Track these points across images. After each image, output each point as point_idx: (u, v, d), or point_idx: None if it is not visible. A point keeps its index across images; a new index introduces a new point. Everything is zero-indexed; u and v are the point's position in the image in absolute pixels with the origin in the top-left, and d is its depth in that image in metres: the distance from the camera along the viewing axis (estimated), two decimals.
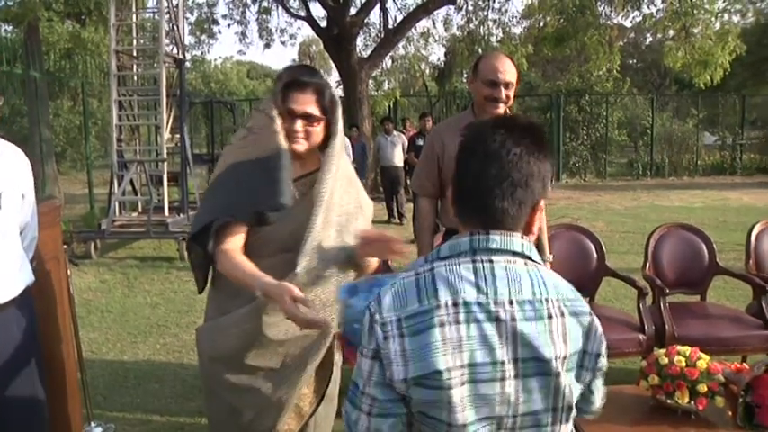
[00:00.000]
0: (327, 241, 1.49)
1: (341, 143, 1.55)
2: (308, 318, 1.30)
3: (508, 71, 2.19)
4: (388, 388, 0.92)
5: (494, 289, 0.91)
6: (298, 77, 1.49)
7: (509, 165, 0.94)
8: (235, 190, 1.48)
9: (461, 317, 0.90)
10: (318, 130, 1.51)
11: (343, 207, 1.55)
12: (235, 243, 1.47)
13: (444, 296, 0.90)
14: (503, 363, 0.90)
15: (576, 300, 0.97)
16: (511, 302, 0.91)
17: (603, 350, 0.97)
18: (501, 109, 2.23)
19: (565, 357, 0.93)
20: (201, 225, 1.50)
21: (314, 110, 1.49)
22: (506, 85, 2.19)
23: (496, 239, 0.94)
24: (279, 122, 1.48)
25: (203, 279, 1.62)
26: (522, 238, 0.97)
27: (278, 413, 1.54)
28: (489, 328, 0.90)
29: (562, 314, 0.93)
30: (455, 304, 0.90)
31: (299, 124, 1.48)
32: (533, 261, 0.97)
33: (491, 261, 0.93)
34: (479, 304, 0.90)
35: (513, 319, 0.90)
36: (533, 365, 0.91)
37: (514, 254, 0.95)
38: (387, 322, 0.92)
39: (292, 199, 1.47)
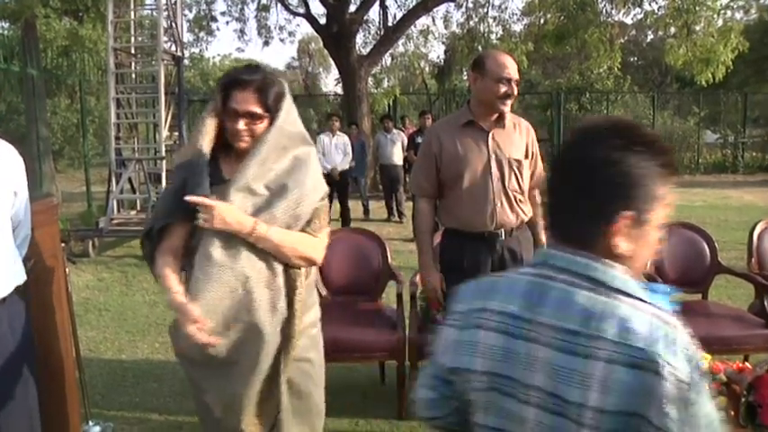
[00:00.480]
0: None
1: (275, 135, 1.52)
2: (200, 340, 1.38)
3: (514, 67, 2.23)
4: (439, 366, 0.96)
5: (538, 308, 0.85)
6: (238, 76, 1.51)
7: (574, 172, 0.86)
8: (172, 192, 1.55)
9: (498, 326, 0.88)
10: (262, 128, 1.51)
11: (280, 184, 1.51)
12: (171, 244, 1.54)
13: (495, 302, 0.90)
14: (526, 385, 0.84)
15: (649, 352, 0.76)
16: (551, 327, 0.82)
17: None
18: (509, 105, 2.24)
19: (597, 410, 0.77)
20: (148, 227, 1.58)
21: (256, 108, 1.49)
22: (515, 82, 2.23)
23: (560, 256, 0.87)
24: (208, 124, 1.54)
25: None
26: (600, 260, 0.83)
27: (240, 410, 1.54)
28: (519, 345, 0.85)
29: (611, 360, 0.77)
30: (499, 312, 0.88)
31: (241, 123, 1.49)
32: (617, 291, 0.82)
33: (550, 278, 0.86)
34: (518, 318, 0.86)
35: (547, 345, 0.82)
36: (553, 402, 0.81)
37: (578, 275, 0.84)
38: (454, 311, 0.96)
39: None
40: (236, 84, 1.49)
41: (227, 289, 1.46)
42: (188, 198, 1.44)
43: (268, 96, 1.49)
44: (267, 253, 1.50)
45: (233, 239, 1.47)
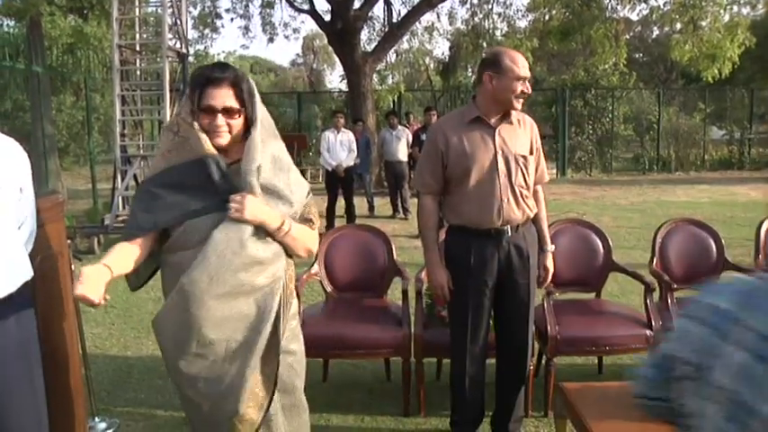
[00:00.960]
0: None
1: (261, 130, 1.57)
2: (77, 293, 1.40)
3: (527, 66, 2.24)
4: None
5: None
6: (210, 74, 1.53)
7: None
8: (165, 196, 1.54)
9: (739, 339, 0.78)
10: (239, 122, 1.56)
11: (270, 187, 1.57)
12: (142, 242, 1.57)
13: (740, 311, 0.80)
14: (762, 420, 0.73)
15: None
16: None
17: None
18: (521, 104, 2.26)
19: None
20: (140, 228, 1.57)
21: (233, 103, 1.53)
22: (529, 80, 2.25)
23: None
24: (197, 125, 1.53)
25: (138, 279, 1.68)
26: None
27: (235, 399, 1.55)
28: (757, 368, 0.75)
29: None
30: (736, 321, 0.79)
31: (220, 119, 1.53)
32: None
33: None
34: (762, 336, 0.76)
35: None
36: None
37: None
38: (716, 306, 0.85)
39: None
40: (209, 82, 1.52)
41: (251, 278, 1.52)
42: (232, 197, 1.48)
43: (242, 91, 1.54)
44: (280, 244, 1.59)
45: (259, 231, 1.53)
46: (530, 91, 2.25)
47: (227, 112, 1.53)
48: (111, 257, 1.51)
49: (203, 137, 1.53)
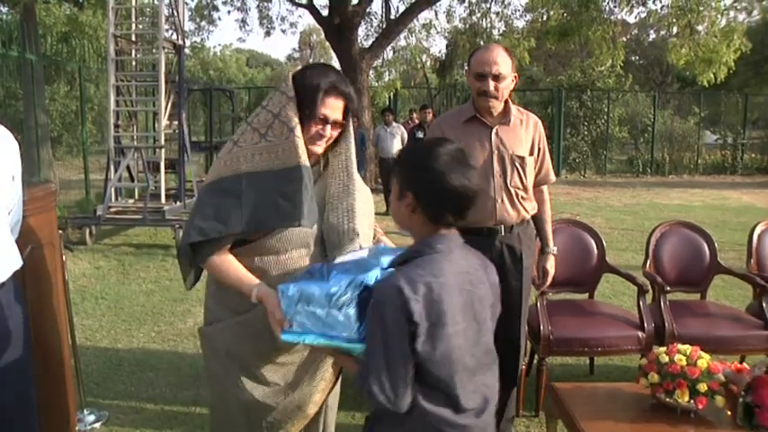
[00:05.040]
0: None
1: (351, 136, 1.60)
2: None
3: (499, 63, 2.13)
4: None
5: None
6: (337, 85, 1.50)
7: None
8: (248, 202, 1.43)
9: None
10: (336, 134, 1.56)
11: (356, 206, 1.58)
12: (227, 250, 1.49)
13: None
14: None
15: None
16: None
17: None
18: (493, 102, 2.19)
19: None
20: (204, 236, 1.44)
21: (340, 116, 1.53)
22: (496, 78, 2.13)
23: None
24: (299, 132, 1.45)
25: (195, 277, 1.60)
26: None
27: (307, 400, 1.59)
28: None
29: None
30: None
31: (328, 130, 1.51)
32: None
33: None
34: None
35: None
36: None
37: None
38: None
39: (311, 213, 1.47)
40: (333, 91, 1.49)
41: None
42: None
43: (353, 106, 1.55)
44: None
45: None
46: (491, 89, 2.13)
47: (336, 124, 1.52)
48: (247, 273, 1.45)
49: (301, 145, 1.45)
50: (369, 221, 1.60)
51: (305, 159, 1.46)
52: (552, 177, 2.42)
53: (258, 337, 1.49)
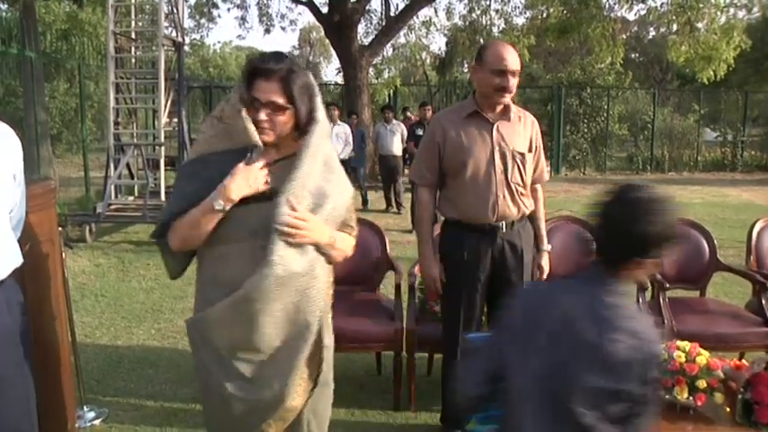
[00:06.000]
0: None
1: (322, 129, 1.51)
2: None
3: (515, 59, 2.18)
4: None
5: None
6: (262, 65, 1.45)
7: None
8: (206, 178, 1.45)
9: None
10: (284, 119, 1.46)
11: (320, 190, 1.51)
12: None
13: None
14: None
15: None
16: None
17: None
18: (507, 98, 2.21)
19: None
20: (172, 214, 1.48)
21: (278, 98, 1.43)
22: (513, 74, 2.18)
23: None
24: (246, 114, 1.45)
25: (179, 265, 1.61)
26: None
27: (273, 406, 1.53)
28: None
29: None
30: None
31: (262, 114, 1.44)
32: None
33: None
34: None
35: None
36: None
37: None
38: None
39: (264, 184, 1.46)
40: (259, 72, 1.43)
41: (293, 290, 1.46)
42: (288, 214, 1.40)
43: (293, 87, 1.43)
44: (321, 251, 1.53)
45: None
46: (510, 86, 2.16)
47: (273, 107, 1.43)
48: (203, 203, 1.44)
49: (251, 127, 1.44)
50: (331, 215, 1.54)
51: (255, 139, 1.45)
52: (546, 177, 2.45)
53: (232, 326, 1.48)
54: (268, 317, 1.46)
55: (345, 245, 1.61)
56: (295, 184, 1.44)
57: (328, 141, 1.58)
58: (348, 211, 1.62)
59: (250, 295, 1.43)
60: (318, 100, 1.51)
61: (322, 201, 1.50)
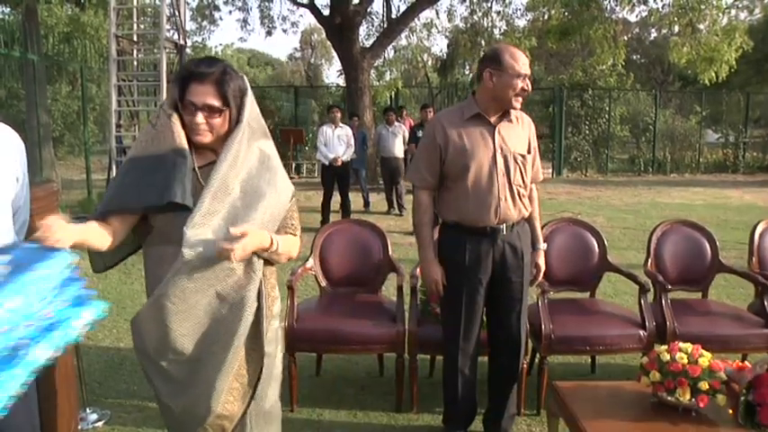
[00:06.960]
0: (216, 226, 1.46)
1: (245, 130, 1.51)
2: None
3: (528, 63, 2.23)
4: None
5: None
6: (195, 69, 1.48)
7: None
8: (130, 183, 1.48)
9: None
10: (221, 121, 1.49)
11: (255, 189, 1.51)
12: (115, 222, 1.50)
13: None
14: None
15: None
16: None
17: None
18: (520, 102, 2.25)
19: None
20: (97, 214, 1.50)
21: (214, 101, 1.46)
22: (528, 77, 2.23)
23: None
24: (176, 119, 1.49)
25: (102, 261, 1.66)
26: None
27: (208, 400, 1.52)
28: None
29: None
30: None
31: (199, 117, 1.46)
32: None
33: None
34: None
35: None
36: None
37: None
38: None
39: (192, 190, 1.47)
40: (193, 77, 1.46)
41: (213, 292, 1.48)
42: (233, 230, 1.39)
43: (227, 90, 1.47)
44: (261, 256, 1.53)
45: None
46: (530, 89, 2.23)
47: (209, 109, 1.46)
48: (83, 226, 1.43)
49: (178, 132, 1.48)
50: (268, 214, 1.53)
51: (181, 143, 1.47)
52: (540, 176, 2.46)
53: (153, 326, 1.50)
54: (184, 316, 1.47)
55: (289, 246, 1.60)
56: (215, 179, 1.45)
57: (266, 140, 1.58)
58: (288, 211, 1.61)
59: (166, 292, 1.46)
60: (248, 102, 1.53)
61: (257, 198, 1.50)
